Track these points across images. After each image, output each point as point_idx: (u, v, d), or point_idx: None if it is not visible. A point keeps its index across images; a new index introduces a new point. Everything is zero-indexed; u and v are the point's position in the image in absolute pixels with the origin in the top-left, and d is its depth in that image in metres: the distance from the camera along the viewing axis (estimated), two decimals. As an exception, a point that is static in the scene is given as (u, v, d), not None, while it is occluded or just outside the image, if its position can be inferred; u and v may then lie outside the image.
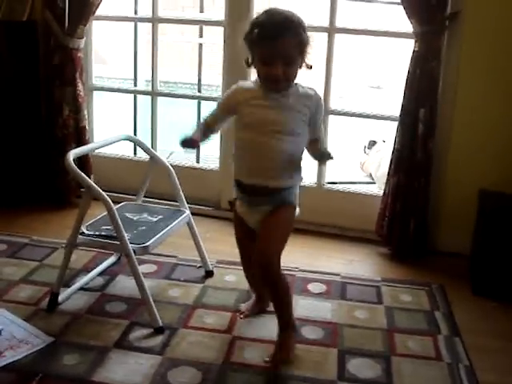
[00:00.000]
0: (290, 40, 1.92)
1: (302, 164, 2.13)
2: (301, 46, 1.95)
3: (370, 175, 5.15)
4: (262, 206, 2.09)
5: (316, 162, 2.20)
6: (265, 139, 2.02)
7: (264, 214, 2.09)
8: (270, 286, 2.14)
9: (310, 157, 2.13)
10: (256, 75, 2.03)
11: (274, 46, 1.91)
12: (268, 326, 2.30)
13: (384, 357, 2.17)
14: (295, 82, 2.04)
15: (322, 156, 2.08)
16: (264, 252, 2.04)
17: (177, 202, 2.66)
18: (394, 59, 7.52)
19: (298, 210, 2.16)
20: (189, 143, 2.03)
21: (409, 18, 2.84)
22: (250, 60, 2.01)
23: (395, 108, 3.02)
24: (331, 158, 2.03)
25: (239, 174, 2.13)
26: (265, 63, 1.95)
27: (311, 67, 2.03)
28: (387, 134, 4.43)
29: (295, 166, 2.10)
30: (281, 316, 2.18)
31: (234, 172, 2.15)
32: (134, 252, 2.23)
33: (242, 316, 2.36)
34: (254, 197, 2.10)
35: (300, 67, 2.00)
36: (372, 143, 5.46)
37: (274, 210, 2.08)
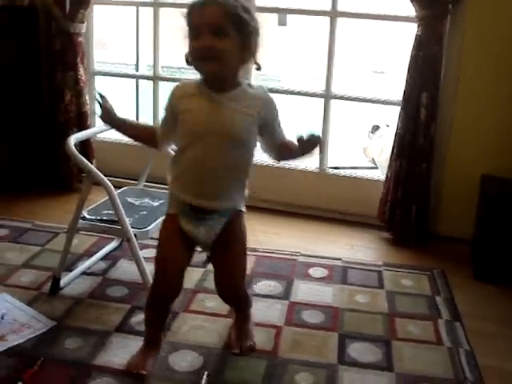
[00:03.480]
0: (220, 8, 1.69)
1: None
2: (236, 20, 1.71)
3: (373, 160, 5.14)
4: (216, 220, 1.89)
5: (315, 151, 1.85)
6: (209, 151, 1.80)
7: (219, 227, 1.89)
8: (237, 303, 2.13)
9: (291, 159, 1.93)
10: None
11: (201, 13, 1.71)
12: (269, 311, 2.31)
13: (384, 341, 2.18)
14: (243, 80, 1.82)
15: (310, 141, 1.78)
16: (236, 283, 2.00)
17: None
18: (398, 44, 7.48)
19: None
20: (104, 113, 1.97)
21: (411, 1, 2.82)
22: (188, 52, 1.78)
23: (398, 93, 3.01)
24: (319, 138, 1.78)
25: (182, 193, 1.87)
26: (194, 37, 1.73)
27: (259, 68, 1.83)
28: (391, 119, 4.42)
29: (243, 182, 1.90)
30: (244, 322, 2.15)
31: (173, 187, 1.91)
32: (135, 236, 2.24)
33: (143, 373, 1.92)
34: (204, 214, 1.88)
35: (244, 57, 1.77)
36: (375, 128, 5.45)
37: (228, 223, 1.90)
